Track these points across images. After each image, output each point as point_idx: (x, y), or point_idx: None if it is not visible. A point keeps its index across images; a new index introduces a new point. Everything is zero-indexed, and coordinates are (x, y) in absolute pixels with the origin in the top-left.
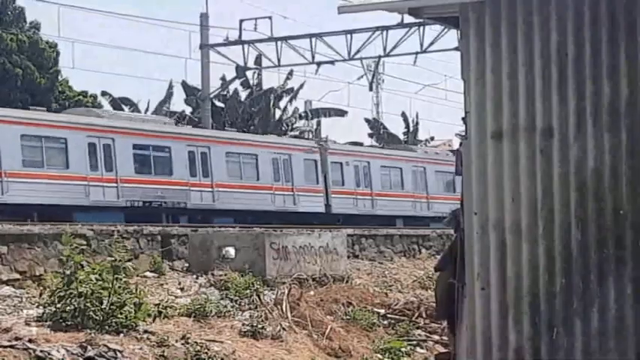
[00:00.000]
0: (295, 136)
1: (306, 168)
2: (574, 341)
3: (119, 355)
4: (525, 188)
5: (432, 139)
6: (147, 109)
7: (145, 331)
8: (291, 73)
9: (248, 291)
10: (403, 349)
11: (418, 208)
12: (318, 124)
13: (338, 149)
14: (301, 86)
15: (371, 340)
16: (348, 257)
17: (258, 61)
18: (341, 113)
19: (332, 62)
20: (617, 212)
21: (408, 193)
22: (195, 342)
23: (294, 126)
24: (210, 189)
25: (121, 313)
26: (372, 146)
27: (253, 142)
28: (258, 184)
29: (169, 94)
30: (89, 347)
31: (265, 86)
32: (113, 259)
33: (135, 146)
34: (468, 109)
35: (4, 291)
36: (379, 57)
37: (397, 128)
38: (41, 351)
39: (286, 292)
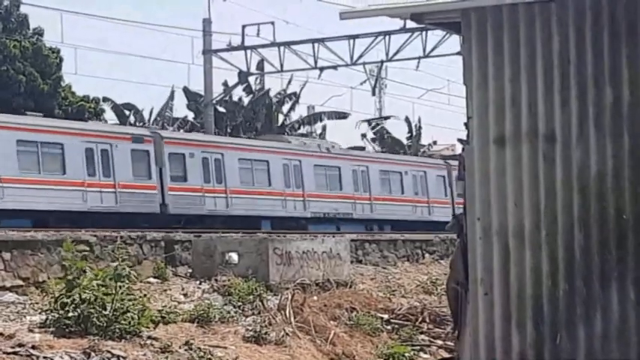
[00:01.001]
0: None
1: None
2: (577, 345)
3: None
4: (528, 193)
5: (435, 143)
6: (150, 116)
7: (149, 337)
8: (291, 79)
9: (251, 296)
10: (407, 354)
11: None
12: (324, 129)
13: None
14: (302, 87)
15: (374, 345)
16: (352, 262)
17: (260, 66)
18: (343, 116)
19: (335, 67)
20: (619, 216)
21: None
22: (199, 348)
23: (298, 131)
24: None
25: (125, 319)
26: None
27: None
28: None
29: (170, 99)
30: (92, 353)
31: (269, 92)
32: (116, 265)
33: None
34: (470, 114)
35: (7, 297)
36: (382, 62)
37: (400, 133)
38: (44, 357)
39: (289, 297)
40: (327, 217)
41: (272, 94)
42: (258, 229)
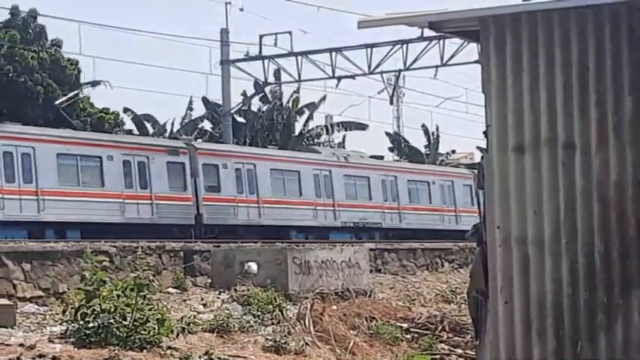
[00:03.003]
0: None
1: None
2: (598, 353)
3: None
4: (547, 201)
5: (454, 152)
6: (172, 127)
7: (169, 347)
8: (298, 89)
9: (271, 306)
10: None
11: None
12: (344, 139)
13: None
14: (322, 99)
15: (394, 354)
16: (371, 271)
17: (277, 75)
18: (362, 127)
19: (352, 77)
20: (639, 224)
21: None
22: (219, 357)
23: (316, 141)
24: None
25: (145, 330)
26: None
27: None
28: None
29: (189, 110)
30: None
31: (285, 101)
32: (136, 275)
33: None
34: (489, 123)
35: (27, 308)
36: (399, 71)
37: (418, 142)
38: None
39: (309, 306)
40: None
41: (289, 103)
42: (289, 239)
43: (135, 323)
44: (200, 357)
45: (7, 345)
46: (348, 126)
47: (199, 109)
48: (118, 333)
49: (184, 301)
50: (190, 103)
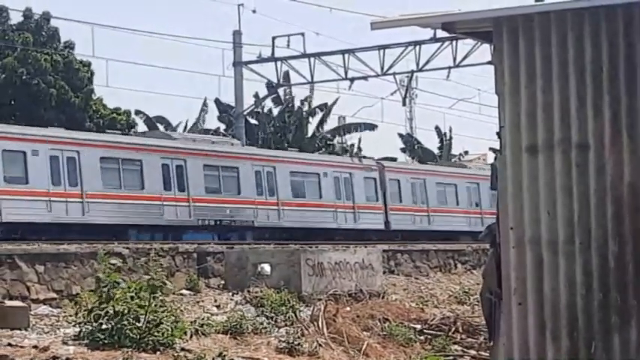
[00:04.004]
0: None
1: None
2: (612, 355)
3: None
4: (561, 202)
5: (467, 153)
6: (185, 128)
7: (182, 349)
8: (311, 90)
9: (284, 307)
10: None
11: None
12: (359, 140)
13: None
14: (334, 102)
15: (408, 355)
16: (384, 273)
17: (286, 77)
18: (371, 127)
19: (365, 78)
20: None
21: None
22: (232, 359)
23: (329, 142)
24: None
25: (158, 331)
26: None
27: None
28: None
29: (203, 111)
30: None
31: (297, 102)
32: (150, 277)
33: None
34: (502, 124)
35: (41, 310)
36: (412, 72)
37: (431, 143)
38: None
39: (322, 308)
40: (220, 224)
41: (301, 104)
42: None
43: (148, 325)
44: (213, 359)
45: (21, 347)
46: (358, 127)
47: (212, 111)
48: (131, 335)
49: (197, 302)
50: (204, 104)
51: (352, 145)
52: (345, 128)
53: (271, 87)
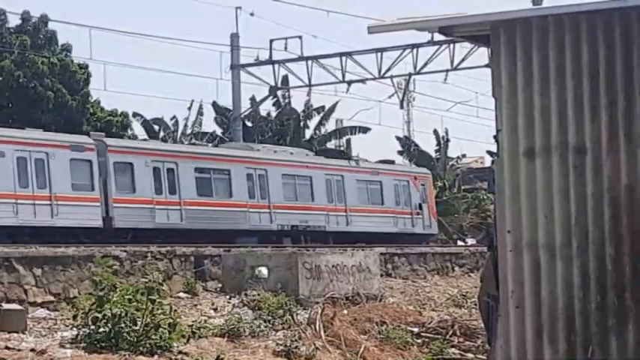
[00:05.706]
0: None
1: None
2: (609, 358)
3: None
4: (559, 205)
5: (464, 156)
6: (184, 131)
7: (179, 352)
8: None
9: (281, 311)
10: None
11: None
12: (348, 142)
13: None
14: (333, 107)
15: (405, 359)
16: (381, 276)
17: (285, 80)
18: (364, 130)
19: (363, 81)
20: None
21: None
22: None
23: (326, 145)
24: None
25: (155, 334)
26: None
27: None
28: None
29: (199, 114)
30: None
31: (296, 105)
32: (147, 280)
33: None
34: (499, 127)
35: (38, 313)
36: (410, 75)
37: (428, 146)
38: None
39: (319, 311)
40: None
41: (299, 108)
42: None
43: (145, 328)
44: None
45: (19, 350)
46: (352, 130)
47: (209, 114)
48: (128, 338)
49: (195, 305)
50: (200, 107)
51: (347, 148)
52: (340, 132)
53: (273, 89)
